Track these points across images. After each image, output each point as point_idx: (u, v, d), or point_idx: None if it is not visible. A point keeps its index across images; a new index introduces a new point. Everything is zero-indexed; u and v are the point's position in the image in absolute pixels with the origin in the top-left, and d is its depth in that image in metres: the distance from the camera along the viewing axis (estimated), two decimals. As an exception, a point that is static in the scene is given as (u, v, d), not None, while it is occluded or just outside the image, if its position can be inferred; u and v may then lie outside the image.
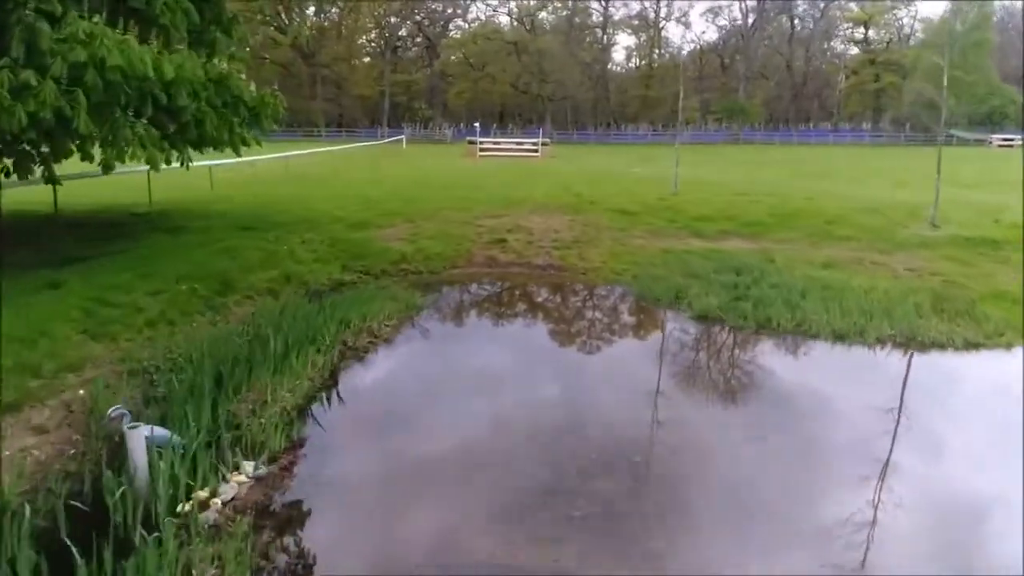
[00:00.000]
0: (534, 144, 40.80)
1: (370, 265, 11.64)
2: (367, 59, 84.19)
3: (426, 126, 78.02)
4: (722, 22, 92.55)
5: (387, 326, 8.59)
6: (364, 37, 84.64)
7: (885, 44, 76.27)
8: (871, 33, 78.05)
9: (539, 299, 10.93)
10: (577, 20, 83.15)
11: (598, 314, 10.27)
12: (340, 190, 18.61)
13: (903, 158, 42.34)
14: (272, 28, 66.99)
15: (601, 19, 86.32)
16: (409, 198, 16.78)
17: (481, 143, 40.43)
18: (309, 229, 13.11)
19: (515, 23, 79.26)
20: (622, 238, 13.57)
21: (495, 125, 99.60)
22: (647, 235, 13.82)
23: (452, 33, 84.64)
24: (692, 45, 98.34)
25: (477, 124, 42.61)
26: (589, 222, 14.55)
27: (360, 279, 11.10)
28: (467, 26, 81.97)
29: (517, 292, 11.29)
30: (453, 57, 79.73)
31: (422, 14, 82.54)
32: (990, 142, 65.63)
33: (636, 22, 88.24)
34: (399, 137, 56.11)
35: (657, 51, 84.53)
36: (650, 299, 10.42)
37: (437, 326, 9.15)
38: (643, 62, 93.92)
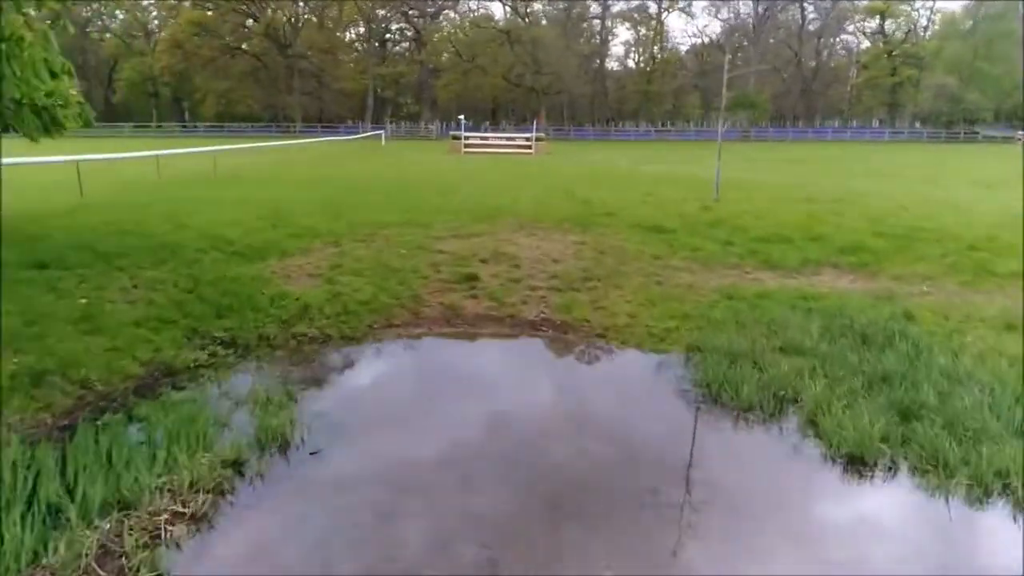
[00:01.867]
0: (527, 140, 36.04)
1: (242, 327, 6.80)
2: (353, 52, 79.22)
3: (415, 122, 73.25)
4: (725, 15, 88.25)
5: (174, 515, 3.75)
6: (352, 30, 79.75)
7: (904, 35, 71.69)
8: (887, 25, 73.47)
9: (523, 399, 6.06)
10: (576, 11, 78.43)
11: (633, 469, 5.40)
12: (258, 195, 13.72)
13: (944, 155, 37.67)
14: (244, 16, 61.92)
15: (600, 10, 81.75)
16: (346, 207, 11.91)
17: (466, 138, 35.65)
18: (164, 261, 8.28)
19: (508, 12, 74.46)
20: (658, 272, 8.76)
21: (487, 122, 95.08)
22: (695, 266, 9.02)
23: (442, 24, 79.82)
24: (695, 39, 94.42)
25: (462, 117, 37.77)
26: (605, 245, 9.75)
27: (214, 358, 6.25)
28: (457, 18, 77.11)
29: (485, 380, 6.41)
30: (444, 52, 74.89)
31: (410, 4, 77.65)
32: (1018, 139, 61.32)
33: (637, 15, 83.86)
34: (378, 133, 51.18)
35: (659, 45, 79.88)
36: (729, 401, 5.61)
37: (303, 507, 4.26)
38: (643, 56, 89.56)
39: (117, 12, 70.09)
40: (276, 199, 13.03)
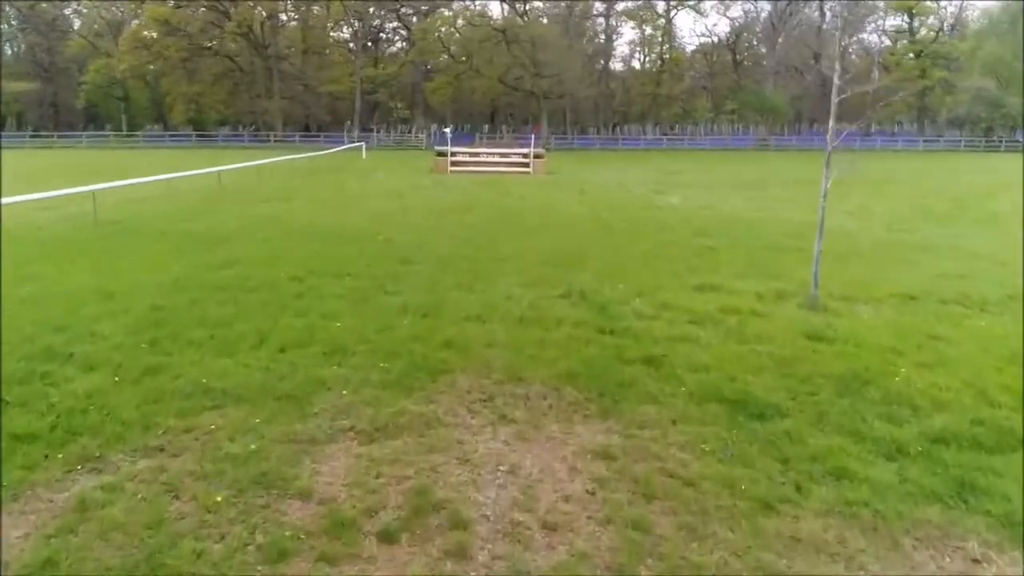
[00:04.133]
0: (524, 156, 31.07)
1: None
2: (341, 53, 74.08)
3: (409, 129, 68.18)
4: (735, 13, 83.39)
5: None
6: (346, 28, 74.55)
7: (934, 35, 66.50)
8: (914, 24, 68.25)
9: None
10: (578, 8, 73.34)
11: None
12: (78, 281, 8.60)
13: (1015, 169, 32.54)
14: (216, 13, 56.76)
15: (604, 8, 76.85)
16: (185, 335, 6.82)
17: (453, 154, 30.66)
18: None
19: (506, 10, 69.35)
20: (782, 558, 3.78)
21: (486, 127, 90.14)
22: (854, 537, 4.00)
23: (436, 22, 74.66)
24: (703, 38, 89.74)
25: (447, 130, 32.72)
26: (652, 462, 4.72)
27: None
28: (451, 15, 71.91)
29: None
30: (437, 52, 69.67)
31: (403, 1, 72.44)
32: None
33: (643, 13, 78.92)
34: (359, 145, 46.02)
35: (668, 44, 74.81)
36: None
37: None
38: (649, 57, 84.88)
39: (85, 8, 65.18)
40: (101, 297, 8.04)
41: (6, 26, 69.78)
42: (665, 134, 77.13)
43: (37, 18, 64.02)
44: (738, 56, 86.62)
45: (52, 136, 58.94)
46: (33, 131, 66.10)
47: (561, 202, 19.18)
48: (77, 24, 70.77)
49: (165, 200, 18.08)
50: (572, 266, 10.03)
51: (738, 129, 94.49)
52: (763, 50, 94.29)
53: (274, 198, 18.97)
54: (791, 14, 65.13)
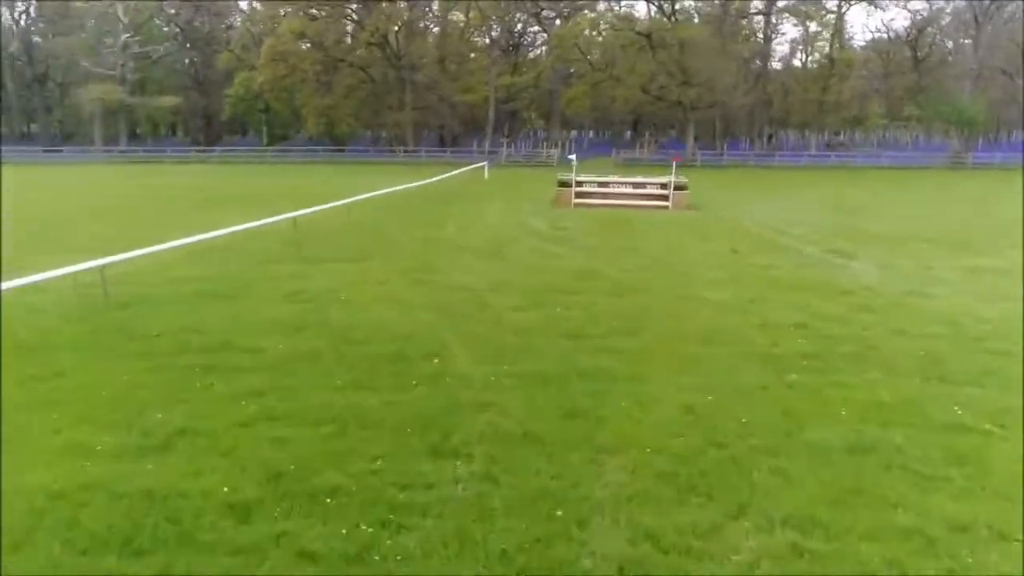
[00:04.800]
0: (663, 187, 26.46)
1: None
2: (477, 59, 71.98)
3: (542, 141, 64.87)
4: (917, 5, 72.77)
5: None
6: (488, 35, 72.43)
7: None
8: None
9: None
10: (734, 7, 66.54)
11: None
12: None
13: None
14: (351, 23, 56.07)
15: (764, 5, 69.47)
16: None
17: (579, 183, 26.65)
18: None
19: (654, 11, 63.96)
20: None
21: (629, 133, 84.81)
22: None
23: (579, 24, 70.62)
24: (878, 34, 79.55)
25: (573, 157, 28.46)
26: None
27: None
28: (592, 18, 67.57)
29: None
30: (574, 59, 65.60)
31: (543, 4, 68.97)
32: None
33: (806, 9, 70.67)
34: (481, 164, 42.84)
35: (837, 43, 66.18)
36: None
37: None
38: (812, 57, 76.26)
39: (238, 21, 67.44)
40: None
41: (170, 43, 74.01)
42: (830, 145, 68.53)
43: (194, 32, 67.07)
44: (919, 53, 75.79)
45: (189, 152, 61.44)
46: (193, 142, 69.60)
47: (704, 269, 14.58)
48: (235, 39, 73.85)
49: (220, 254, 15.43)
50: (722, 488, 5.63)
51: (916, 139, 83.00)
52: (949, 45, 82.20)
53: (345, 257, 15.76)
54: (997, 8, 54.74)
